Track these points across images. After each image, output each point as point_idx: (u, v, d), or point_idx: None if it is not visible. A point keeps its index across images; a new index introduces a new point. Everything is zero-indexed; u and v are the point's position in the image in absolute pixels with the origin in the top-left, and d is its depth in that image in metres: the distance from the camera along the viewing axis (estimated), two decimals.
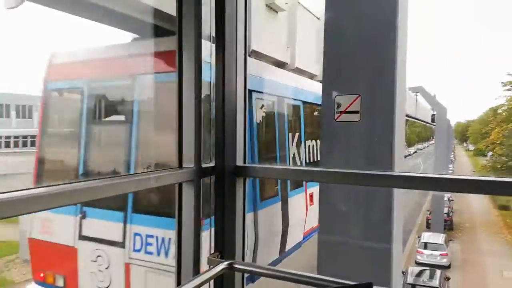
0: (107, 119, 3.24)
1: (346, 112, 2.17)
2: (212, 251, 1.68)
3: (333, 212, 2.41)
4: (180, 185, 1.59)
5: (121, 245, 2.45)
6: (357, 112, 2.16)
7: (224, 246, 1.66)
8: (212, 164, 1.69)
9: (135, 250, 2.38)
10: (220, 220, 1.67)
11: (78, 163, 3.13)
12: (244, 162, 1.73)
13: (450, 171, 42.72)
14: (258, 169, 1.78)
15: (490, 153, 35.48)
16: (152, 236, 2.43)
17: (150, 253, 2.37)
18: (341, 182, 1.90)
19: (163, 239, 2.36)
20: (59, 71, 3.34)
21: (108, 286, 2.54)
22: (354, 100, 2.16)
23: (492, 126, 32.45)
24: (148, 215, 2.51)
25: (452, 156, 72.40)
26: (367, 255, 2.35)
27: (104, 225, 2.52)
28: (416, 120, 29.66)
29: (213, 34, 1.63)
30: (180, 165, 1.60)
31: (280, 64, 4.66)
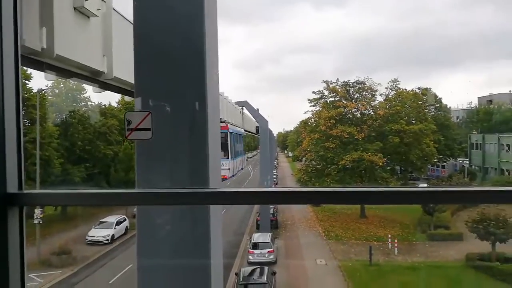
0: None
1: (136, 129, 2.06)
2: None
3: (152, 233, 2.26)
4: None
5: None
6: (148, 129, 2.07)
7: None
8: None
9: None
10: None
11: None
12: (20, 188, 1.36)
13: (274, 176, 47.80)
14: (43, 195, 1.43)
15: (304, 159, 41.22)
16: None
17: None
18: (155, 203, 1.73)
19: (226, 163, 15.35)
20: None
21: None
22: (145, 117, 2.08)
23: (304, 136, 37.91)
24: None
25: (276, 162, 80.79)
26: (187, 274, 2.26)
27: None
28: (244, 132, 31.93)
29: None
30: None
31: (96, 73, 4.24)
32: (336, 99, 35.14)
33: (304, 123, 40.17)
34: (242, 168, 24.15)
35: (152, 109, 2.13)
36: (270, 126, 34.08)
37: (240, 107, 27.38)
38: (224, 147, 19.56)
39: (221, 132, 19.60)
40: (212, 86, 2.22)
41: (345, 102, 34.35)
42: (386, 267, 21.80)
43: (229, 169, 19.54)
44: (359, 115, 35.73)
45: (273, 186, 37.21)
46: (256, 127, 29.79)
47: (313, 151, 34.60)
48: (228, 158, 19.56)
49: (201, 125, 2.13)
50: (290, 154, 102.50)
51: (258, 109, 28.21)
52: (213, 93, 2.27)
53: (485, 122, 44.79)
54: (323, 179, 32.87)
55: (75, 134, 25.82)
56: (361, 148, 32.13)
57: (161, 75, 2.14)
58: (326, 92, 35.41)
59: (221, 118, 19.10)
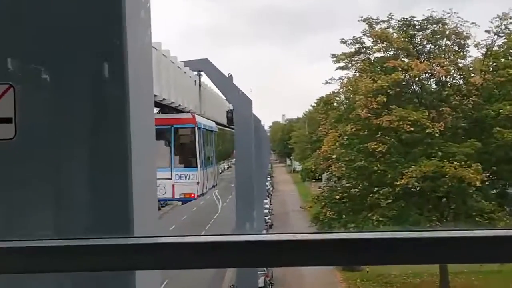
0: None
1: None
2: None
3: None
4: None
5: (170, 179, 21.88)
6: (7, 120, 2.11)
7: None
8: None
9: (176, 180, 22.47)
10: None
11: None
12: None
13: (266, 211, 47.99)
14: None
15: (325, 175, 41.13)
16: (181, 175, 23.04)
17: (183, 178, 22.34)
18: (20, 268, 1.76)
19: (185, 176, 22.69)
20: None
21: (165, 193, 21.85)
22: (1, 96, 2.10)
23: (325, 129, 37.78)
24: (177, 168, 22.53)
25: (269, 184, 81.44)
26: None
27: (162, 173, 19.39)
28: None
29: None
30: None
31: None
32: (388, 53, 35.55)
33: (325, 103, 40.01)
34: (214, 186, 29.45)
35: (14, 80, 2.14)
36: (257, 111, 34.15)
37: (196, 73, 27.37)
38: (190, 150, 24.16)
39: (185, 128, 24.18)
40: (137, 33, 2.28)
41: (406, 61, 34.79)
42: None
43: (197, 183, 23.87)
44: (434, 86, 36.22)
45: (263, 232, 37.35)
46: (227, 112, 29.85)
47: (343, 160, 34.62)
48: (196, 167, 24.00)
49: (117, 111, 2.17)
50: (298, 167, 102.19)
51: (231, 76, 28.28)
52: (140, 47, 2.32)
53: None
54: (364, 215, 33.07)
55: None
56: (440, 153, 32.53)
57: (33, 8, 2.17)
58: (367, 41, 35.86)
59: (155, 97, 19.14)
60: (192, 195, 24.06)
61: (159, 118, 23.23)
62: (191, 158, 23.91)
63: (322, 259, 1.50)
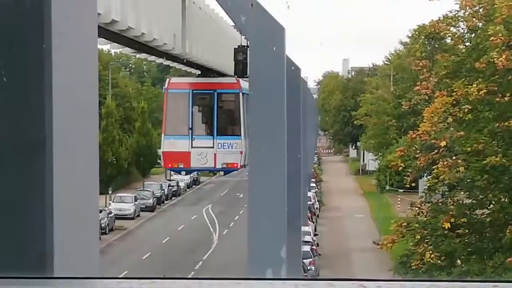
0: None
1: None
2: None
3: None
4: None
5: (212, 148, 49.39)
6: None
7: None
8: None
9: (218, 148, 49.03)
10: None
11: None
12: None
13: (307, 249, 48.28)
14: None
15: (424, 181, 40.76)
16: (224, 143, 50.27)
17: (225, 147, 49.07)
18: None
19: (228, 144, 48.70)
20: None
21: (206, 163, 49.64)
22: None
23: (426, 88, 37.34)
24: (220, 136, 49.85)
25: (312, 194, 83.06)
26: None
27: (203, 142, 49.88)
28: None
29: None
30: None
31: None
32: None
33: (429, 38, 39.62)
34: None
35: None
36: (295, 53, 34.30)
37: None
38: (234, 117, 44.94)
39: (229, 93, 44.55)
40: None
41: None
42: None
43: (241, 152, 43.73)
44: None
45: (306, 276, 38.15)
46: (236, 52, 30.12)
47: (461, 152, 34.13)
48: (239, 135, 44.15)
49: (29, 54, 2.26)
50: (372, 162, 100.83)
51: None
52: None
53: None
54: (499, 260, 32.89)
55: None
56: None
57: None
58: None
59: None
60: (235, 165, 44.82)
61: (200, 82, 44.43)
62: (235, 126, 44.32)
63: None
